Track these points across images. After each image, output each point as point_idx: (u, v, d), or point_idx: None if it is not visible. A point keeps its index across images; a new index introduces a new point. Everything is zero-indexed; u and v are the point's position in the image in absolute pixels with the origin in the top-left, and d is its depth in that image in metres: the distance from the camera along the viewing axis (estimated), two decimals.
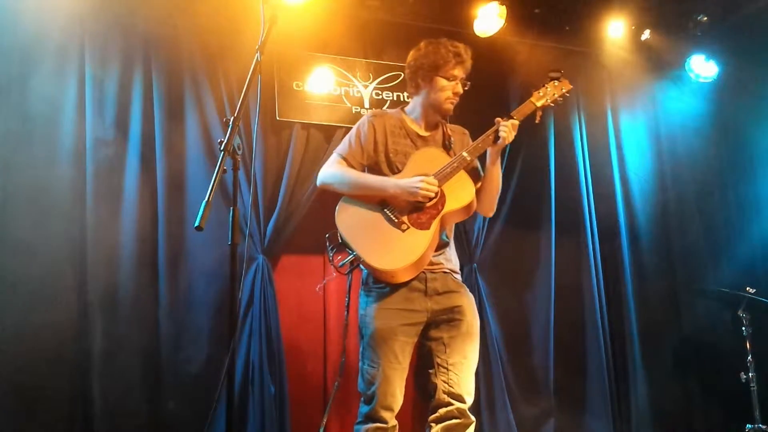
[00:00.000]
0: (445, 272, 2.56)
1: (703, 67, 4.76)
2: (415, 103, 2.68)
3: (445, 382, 2.48)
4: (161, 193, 3.55)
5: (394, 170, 2.56)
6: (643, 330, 4.51)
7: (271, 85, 3.84)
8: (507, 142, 2.55)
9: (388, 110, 2.73)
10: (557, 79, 2.72)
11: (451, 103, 2.60)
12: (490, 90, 4.08)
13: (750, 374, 3.90)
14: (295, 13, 3.66)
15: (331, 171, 2.58)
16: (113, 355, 3.33)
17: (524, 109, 2.66)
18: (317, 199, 3.89)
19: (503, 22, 4.04)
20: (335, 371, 3.81)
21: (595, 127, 4.73)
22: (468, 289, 2.64)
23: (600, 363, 4.34)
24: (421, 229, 2.44)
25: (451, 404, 2.47)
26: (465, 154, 2.53)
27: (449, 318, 2.52)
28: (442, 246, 2.57)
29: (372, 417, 2.43)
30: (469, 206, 2.53)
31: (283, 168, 3.81)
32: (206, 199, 1.84)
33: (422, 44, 2.64)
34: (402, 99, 4.16)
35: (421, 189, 2.42)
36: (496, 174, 2.62)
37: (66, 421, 3.23)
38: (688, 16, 4.53)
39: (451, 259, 2.62)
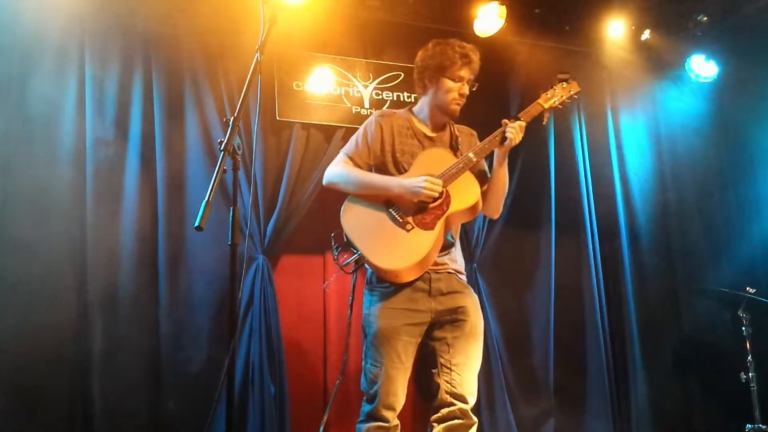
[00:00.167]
0: (449, 273, 2.56)
1: (703, 67, 4.76)
2: (422, 104, 2.67)
3: (447, 382, 2.48)
4: (161, 193, 3.55)
5: (401, 170, 2.56)
6: (643, 330, 4.51)
7: (271, 85, 3.84)
8: (514, 144, 2.55)
9: (396, 110, 2.72)
10: (566, 80, 2.71)
11: (457, 104, 2.59)
12: (490, 90, 4.08)
13: (750, 374, 3.90)
14: (295, 13, 3.66)
15: (337, 170, 2.58)
16: (113, 355, 3.33)
17: (531, 111, 2.65)
18: (317, 199, 3.90)
19: (503, 22, 4.04)
20: (335, 371, 3.81)
21: (595, 127, 4.73)
22: (472, 290, 2.64)
23: (600, 363, 4.34)
24: (425, 229, 2.44)
25: (454, 404, 2.47)
26: (471, 155, 2.52)
27: (453, 318, 2.52)
28: (447, 246, 2.57)
29: (374, 416, 2.43)
30: (474, 207, 2.52)
31: (283, 168, 3.81)
32: (206, 199, 1.84)
33: (430, 44, 2.62)
34: (402, 99, 4.16)
35: (424, 188, 2.42)
36: (502, 175, 2.62)
37: (66, 421, 3.23)
38: (688, 16, 4.53)
39: (456, 259, 2.62)
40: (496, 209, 2.69)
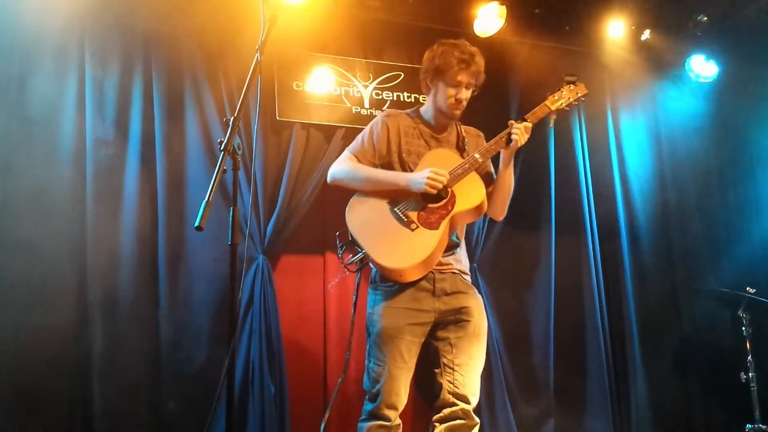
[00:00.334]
0: (454, 273, 2.57)
1: (703, 67, 4.76)
2: (428, 104, 2.68)
3: (450, 382, 2.49)
4: (161, 193, 3.55)
5: (407, 170, 2.57)
6: (643, 330, 4.51)
7: (271, 85, 3.84)
8: (520, 145, 2.55)
9: (404, 110, 2.73)
10: (573, 83, 2.71)
11: (455, 108, 2.58)
12: (490, 90, 4.07)
13: (750, 374, 3.90)
14: (295, 13, 3.66)
15: (342, 167, 2.59)
16: (113, 355, 3.33)
17: (538, 112, 2.65)
18: (317, 199, 3.90)
19: (503, 22, 4.04)
20: (335, 371, 3.81)
21: (595, 127, 4.73)
22: (477, 291, 2.64)
23: (600, 363, 4.34)
24: (430, 228, 2.44)
25: (456, 405, 2.48)
26: (477, 155, 2.53)
27: (457, 319, 2.53)
28: (452, 247, 2.57)
29: (376, 415, 2.44)
30: (479, 207, 2.52)
31: (283, 168, 3.81)
32: (206, 199, 1.84)
33: (435, 45, 2.62)
34: (402, 99, 4.16)
35: (428, 178, 2.42)
36: (508, 177, 2.62)
37: (66, 421, 3.23)
38: (688, 16, 4.53)
39: (460, 260, 2.62)
40: (501, 211, 2.69)
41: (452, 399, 2.48)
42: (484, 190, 2.53)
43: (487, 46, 4.06)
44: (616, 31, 4.47)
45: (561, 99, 2.68)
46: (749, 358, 3.93)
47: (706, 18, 4.49)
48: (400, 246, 2.43)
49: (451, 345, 2.51)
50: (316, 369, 3.87)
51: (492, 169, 2.71)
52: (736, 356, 4.04)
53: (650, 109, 4.93)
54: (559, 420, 4.24)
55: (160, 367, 3.45)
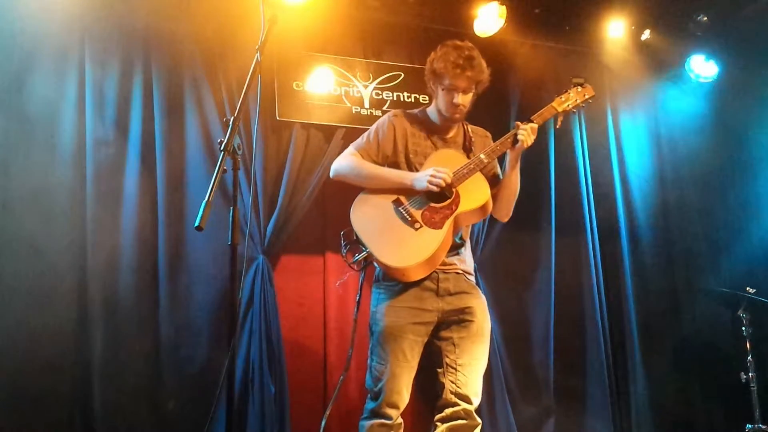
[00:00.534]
0: (457, 273, 2.57)
1: (703, 67, 4.76)
2: (434, 107, 2.67)
3: (452, 382, 2.49)
4: (161, 193, 3.55)
5: (413, 170, 2.57)
6: (643, 330, 4.51)
7: (271, 85, 3.83)
8: (526, 146, 2.55)
9: (411, 110, 2.72)
10: (581, 84, 2.71)
11: (454, 112, 2.57)
12: (490, 90, 4.08)
13: (750, 374, 3.90)
14: (295, 13, 3.66)
15: (346, 162, 2.60)
16: (113, 355, 3.33)
17: (545, 114, 2.65)
18: (317, 199, 3.90)
19: (503, 22, 4.03)
20: (335, 371, 3.81)
21: (595, 127, 4.73)
22: (481, 292, 2.64)
23: (600, 363, 4.34)
24: (433, 228, 2.44)
25: (458, 405, 2.48)
26: (482, 156, 2.53)
27: (460, 319, 2.53)
28: (456, 247, 2.57)
29: (377, 413, 2.45)
30: (483, 208, 2.52)
31: (283, 168, 3.81)
32: (206, 199, 1.84)
33: (438, 46, 2.60)
34: (402, 99, 4.16)
35: (430, 177, 2.43)
36: (514, 178, 2.62)
37: (66, 421, 3.24)
38: (688, 16, 4.53)
39: (465, 260, 2.63)
40: (507, 212, 2.70)
41: (454, 399, 2.49)
42: (489, 191, 2.53)
43: (487, 46, 4.06)
44: (616, 31, 4.46)
45: (568, 101, 2.68)
46: (749, 358, 3.92)
47: (706, 18, 4.49)
48: (403, 245, 2.44)
49: (454, 345, 2.52)
50: (316, 369, 3.88)
51: (499, 170, 2.71)
52: (736, 356, 4.04)
53: (650, 109, 4.93)
54: (559, 420, 4.24)
55: (160, 367, 3.45)
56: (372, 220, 2.50)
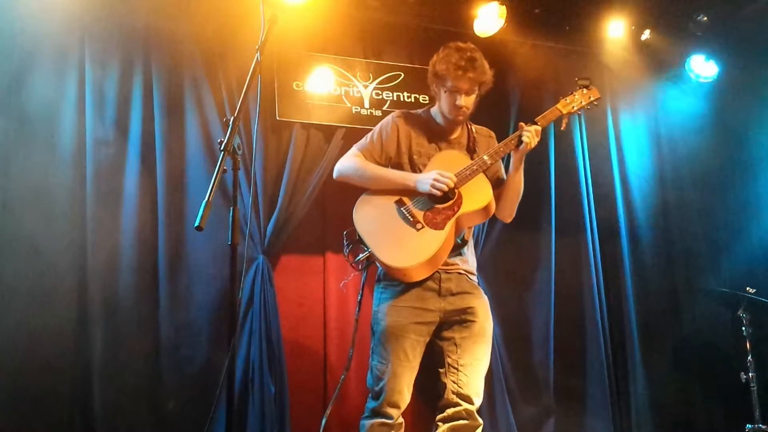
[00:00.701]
0: (460, 273, 2.57)
1: (703, 67, 4.76)
2: (438, 108, 2.67)
3: (454, 382, 2.50)
4: (161, 193, 3.55)
5: (417, 171, 2.58)
6: (643, 330, 4.51)
7: (271, 85, 3.83)
8: (530, 148, 2.55)
9: (415, 111, 2.72)
10: (586, 86, 2.70)
11: (457, 114, 2.57)
12: (490, 90, 4.08)
13: (750, 374, 3.90)
14: (295, 13, 3.66)
15: (349, 163, 2.60)
16: (114, 355, 3.33)
17: (549, 116, 2.65)
18: (317, 199, 3.90)
19: (503, 22, 4.03)
20: (335, 371, 3.81)
21: (595, 127, 4.73)
22: (483, 292, 2.64)
23: (600, 363, 4.34)
24: (435, 229, 2.45)
25: (460, 405, 2.49)
26: (486, 157, 2.53)
27: (462, 319, 2.54)
28: (458, 247, 2.57)
29: (378, 412, 2.45)
30: (486, 209, 2.52)
31: (283, 168, 3.81)
32: (206, 199, 1.84)
33: (440, 49, 2.59)
34: (402, 99, 4.15)
35: (434, 180, 2.43)
36: (518, 180, 2.63)
37: (66, 422, 3.23)
38: (688, 16, 4.52)
39: (467, 260, 2.63)
40: (510, 213, 2.70)
41: (456, 399, 2.49)
42: (491, 192, 2.53)
43: (487, 46, 4.06)
44: (616, 31, 4.46)
45: (573, 102, 2.68)
46: (749, 358, 3.92)
47: (706, 18, 4.48)
48: (404, 245, 2.44)
49: (455, 345, 2.52)
50: (316, 369, 3.87)
51: (503, 172, 2.70)
52: (736, 356, 4.04)
53: (650, 109, 4.93)
54: (559, 420, 4.24)
55: (160, 367, 3.45)
56: (374, 221, 2.51)
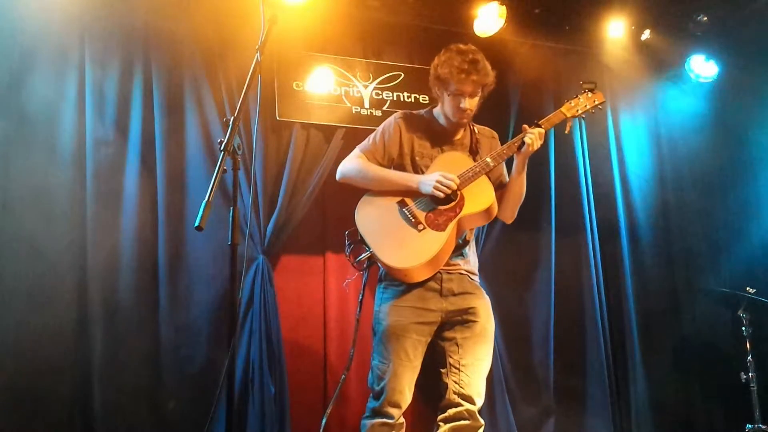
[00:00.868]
0: (461, 273, 2.57)
1: (703, 67, 4.76)
2: (440, 108, 2.66)
3: (456, 382, 2.50)
4: (161, 193, 3.55)
5: (419, 172, 2.58)
6: (643, 330, 4.51)
7: (271, 85, 3.83)
8: (532, 150, 2.55)
9: (417, 111, 2.72)
10: (591, 90, 2.70)
11: (461, 117, 2.56)
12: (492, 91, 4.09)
13: (750, 374, 3.90)
14: (295, 13, 3.66)
15: (352, 165, 2.60)
16: (114, 355, 3.33)
17: (553, 119, 2.65)
18: (317, 199, 3.90)
19: (503, 22, 4.03)
20: (335, 371, 3.81)
21: (595, 127, 4.72)
22: (485, 292, 2.64)
23: (600, 363, 4.34)
24: (437, 230, 2.45)
25: (461, 405, 2.49)
26: (489, 159, 2.53)
27: (463, 319, 2.54)
28: (460, 247, 2.58)
29: (379, 412, 2.45)
30: (488, 211, 2.52)
31: (283, 168, 3.81)
32: (206, 199, 1.84)
33: (441, 52, 2.58)
34: (402, 99, 4.15)
35: (436, 182, 2.43)
36: (520, 183, 2.63)
37: (66, 422, 3.23)
38: (688, 16, 4.52)
39: (469, 260, 2.63)
40: (511, 214, 2.71)
41: (457, 399, 2.49)
42: (494, 194, 2.53)
43: (487, 46, 4.05)
44: (616, 31, 4.46)
45: (577, 106, 2.68)
46: (749, 358, 3.92)
47: (706, 18, 4.48)
48: (405, 246, 2.44)
49: (457, 345, 2.52)
50: (316, 369, 3.87)
51: (506, 174, 2.71)
52: (736, 356, 4.04)
53: (650, 109, 4.93)
54: (559, 420, 4.24)
55: (160, 367, 3.45)
56: (376, 221, 2.51)
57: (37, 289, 3.20)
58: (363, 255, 2.48)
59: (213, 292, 3.56)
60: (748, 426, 3.90)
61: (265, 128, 3.82)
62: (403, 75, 4.19)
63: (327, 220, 4.02)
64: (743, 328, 3.97)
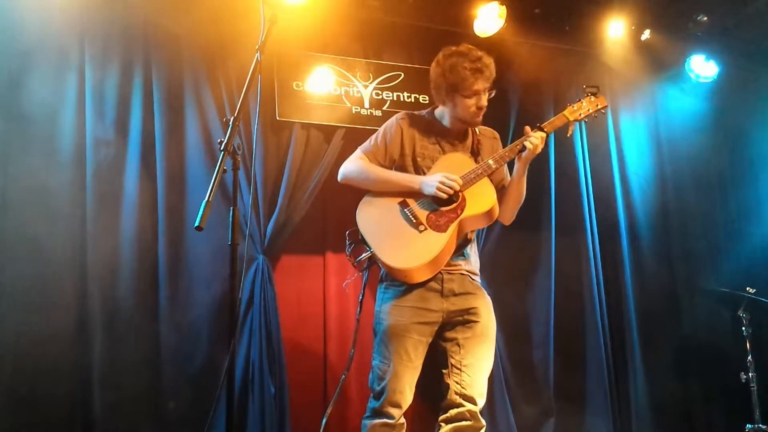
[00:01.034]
0: (462, 274, 2.57)
1: (703, 67, 4.76)
2: (443, 111, 2.65)
3: (457, 383, 2.49)
4: (161, 193, 3.55)
5: (420, 173, 2.58)
6: (643, 330, 4.51)
7: (271, 85, 3.83)
8: (534, 153, 2.54)
9: (418, 112, 2.71)
10: (594, 94, 2.69)
11: (477, 116, 2.56)
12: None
13: (750, 374, 3.90)
14: (295, 13, 3.66)
15: (354, 166, 2.60)
16: (114, 356, 3.33)
17: (556, 122, 2.65)
18: (317, 199, 3.90)
19: (503, 22, 4.04)
20: (335, 371, 3.81)
21: (595, 127, 4.72)
22: (486, 293, 2.64)
23: (600, 362, 4.34)
24: (438, 231, 2.45)
25: (463, 405, 2.48)
26: (491, 161, 2.53)
27: (465, 319, 2.54)
28: (461, 247, 2.58)
29: (379, 412, 2.45)
30: (489, 213, 2.52)
31: (283, 168, 3.81)
32: (206, 199, 1.84)
33: (441, 56, 2.57)
34: (402, 99, 4.15)
35: (439, 183, 2.43)
36: (521, 185, 2.62)
37: (66, 422, 3.23)
38: (688, 16, 4.52)
39: (470, 261, 2.63)
40: (510, 216, 2.71)
41: (459, 400, 2.49)
42: (495, 196, 2.53)
43: (487, 46, 4.05)
44: (616, 31, 4.46)
45: (580, 110, 2.68)
46: (749, 358, 3.92)
47: (706, 18, 4.48)
48: (406, 246, 2.45)
49: (458, 345, 2.52)
50: (316, 369, 3.87)
51: (508, 179, 2.70)
52: (736, 356, 4.04)
53: (650, 109, 4.94)
54: (559, 419, 4.24)
55: (160, 367, 3.44)
56: (377, 221, 2.51)
57: (37, 288, 3.20)
58: (363, 255, 2.48)
59: (213, 292, 3.56)
60: (748, 426, 3.90)
61: (265, 128, 3.82)
62: (403, 75, 4.19)
63: (327, 220, 4.02)
64: (743, 328, 3.97)
